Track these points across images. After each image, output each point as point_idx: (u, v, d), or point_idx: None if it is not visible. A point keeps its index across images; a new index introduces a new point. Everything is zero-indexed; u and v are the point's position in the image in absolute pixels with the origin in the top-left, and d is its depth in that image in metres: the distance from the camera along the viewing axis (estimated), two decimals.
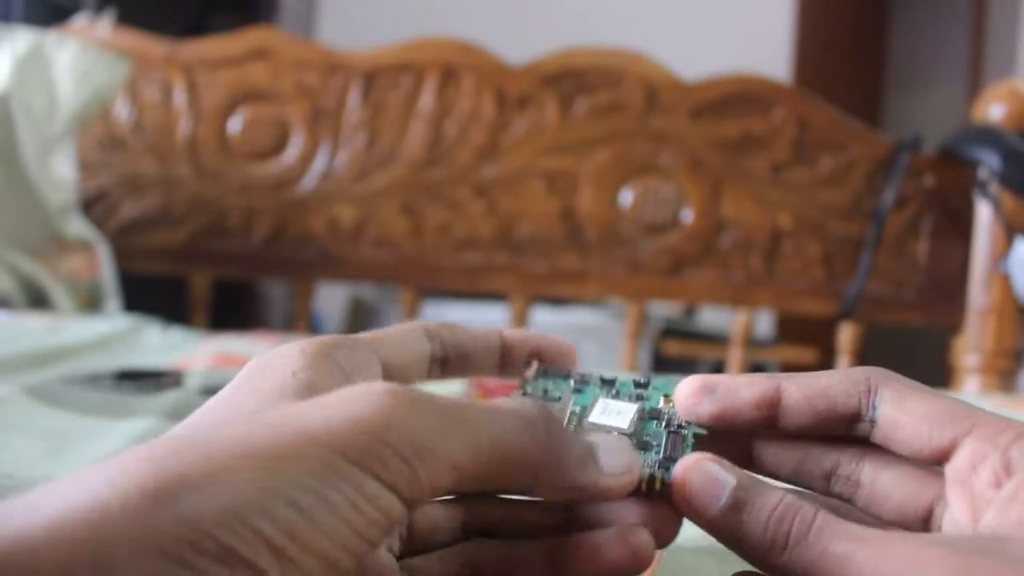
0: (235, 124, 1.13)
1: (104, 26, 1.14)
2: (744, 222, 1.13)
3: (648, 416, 0.27)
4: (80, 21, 1.19)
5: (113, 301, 1.02)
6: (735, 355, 1.25)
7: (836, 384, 0.25)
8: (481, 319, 1.70)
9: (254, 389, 0.23)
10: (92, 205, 1.11)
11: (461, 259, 1.13)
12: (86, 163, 1.11)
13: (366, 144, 1.13)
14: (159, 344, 0.84)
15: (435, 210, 1.13)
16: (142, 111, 1.13)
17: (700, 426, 0.26)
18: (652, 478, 0.24)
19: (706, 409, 0.26)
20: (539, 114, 1.13)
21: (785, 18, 2.64)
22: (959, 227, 1.11)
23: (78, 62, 1.01)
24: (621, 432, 0.26)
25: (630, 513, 0.24)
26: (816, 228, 1.13)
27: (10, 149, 0.94)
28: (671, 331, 2.22)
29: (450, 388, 0.65)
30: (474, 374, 0.30)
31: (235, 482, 0.17)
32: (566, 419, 0.26)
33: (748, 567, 0.23)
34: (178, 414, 0.51)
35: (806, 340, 2.16)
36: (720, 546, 0.23)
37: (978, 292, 1.08)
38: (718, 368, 1.99)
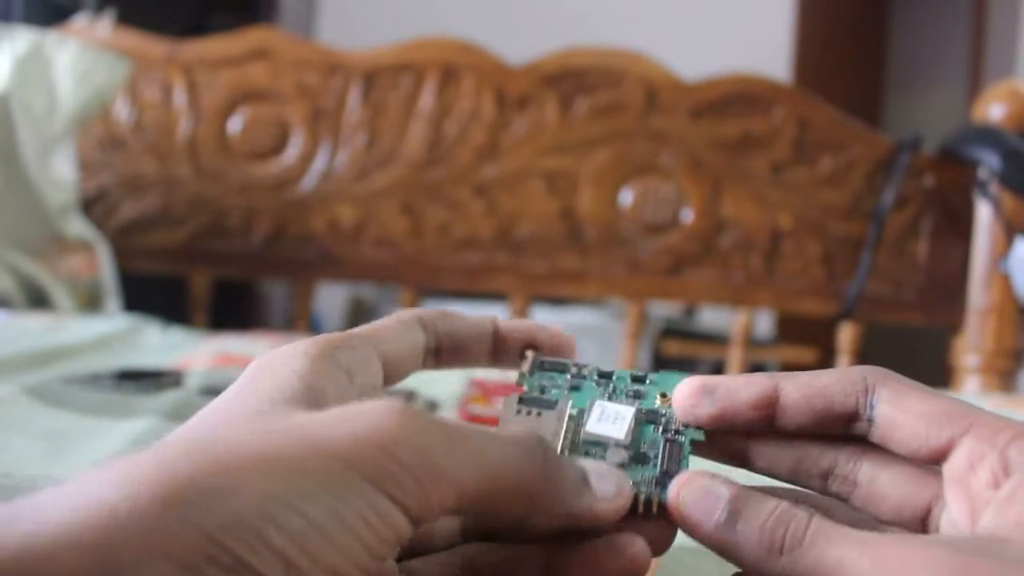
0: (235, 124, 1.13)
1: (104, 26, 1.14)
2: (744, 222, 1.13)
3: (645, 419, 0.26)
4: (80, 21, 1.19)
5: (113, 301, 1.02)
6: (735, 355, 1.25)
7: (834, 383, 0.25)
8: None
9: (256, 389, 0.22)
10: (92, 205, 1.11)
11: (461, 259, 1.13)
12: (86, 163, 1.11)
13: (366, 144, 1.13)
14: (159, 344, 0.84)
15: (435, 210, 1.13)
16: (142, 111, 1.13)
17: (698, 428, 0.26)
18: (649, 501, 0.24)
19: (705, 411, 0.26)
20: (539, 114, 1.13)
21: (785, 18, 2.64)
22: (959, 227, 1.11)
23: (78, 62, 1.01)
24: (618, 444, 0.26)
25: (627, 523, 0.24)
26: (816, 228, 1.13)
27: (10, 149, 0.94)
28: (671, 331, 2.22)
29: (451, 389, 0.65)
30: (468, 364, 0.30)
31: (248, 491, 0.17)
32: (563, 426, 0.26)
33: None
34: (178, 414, 0.51)
35: (806, 340, 2.16)
36: None
37: (978, 292, 1.08)
38: (718, 368, 2.00)
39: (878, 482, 0.25)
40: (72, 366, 0.66)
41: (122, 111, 1.12)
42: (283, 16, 2.63)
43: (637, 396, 0.27)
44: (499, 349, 0.29)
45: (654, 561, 0.25)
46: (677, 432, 0.26)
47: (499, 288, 1.14)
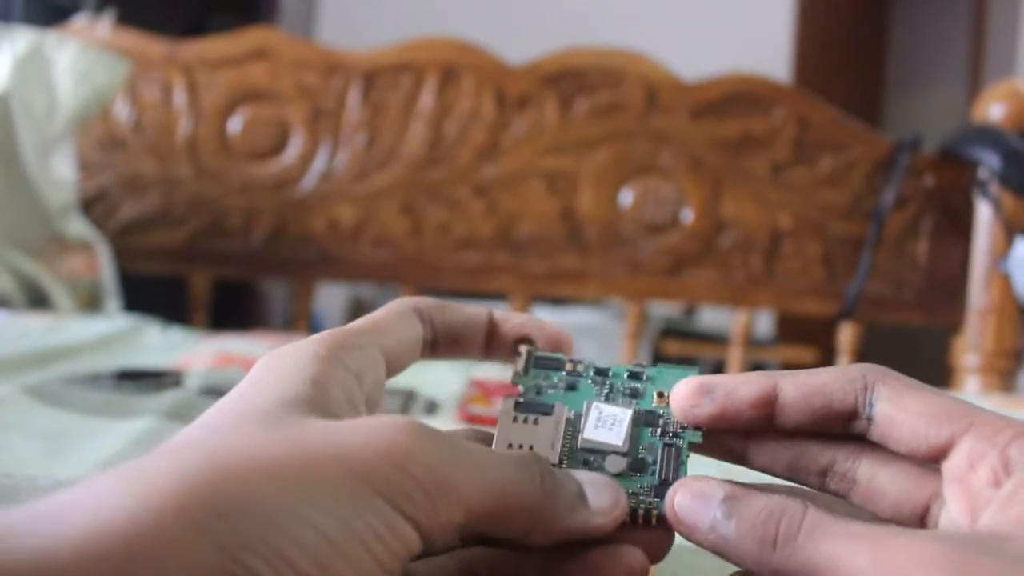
0: (235, 124, 1.13)
1: (104, 26, 1.14)
2: (744, 222, 1.13)
3: (643, 421, 0.26)
4: (80, 21, 1.19)
5: (113, 301, 1.02)
6: (735, 355, 1.25)
7: (833, 381, 0.25)
8: None
9: (266, 389, 0.22)
10: (92, 205, 1.11)
11: (461, 259, 1.13)
12: (86, 163, 1.11)
13: (366, 144, 1.13)
14: (159, 344, 0.84)
15: (435, 210, 1.13)
16: (142, 111, 1.13)
17: (696, 429, 0.26)
18: (648, 513, 0.25)
19: (705, 411, 0.25)
20: (539, 114, 1.13)
21: (785, 18, 2.64)
22: (959, 227, 1.11)
23: (78, 62, 1.01)
24: (616, 451, 0.25)
25: (625, 531, 0.25)
26: (816, 228, 1.13)
27: (10, 149, 0.94)
28: (671, 331, 2.22)
29: (451, 389, 0.65)
30: (463, 355, 0.30)
31: (265, 506, 0.17)
32: (561, 433, 0.26)
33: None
34: (178, 414, 0.51)
35: (806, 340, 2.16)
36: None
37: (978, 292, 1.08)
38: (718, 368, 1.99)
39: (877, 480, 0.25)
40: (72, 366, 0.66)
41: (122, 111, 1.12)
42: (283, 16, 2.63)
43: (634, 395, 0.27)
44: (494, 341, 0.29)
45: (652, 568, 0.25)
46: (675, 435, 0.26)
47: (499, 288, 1.14)
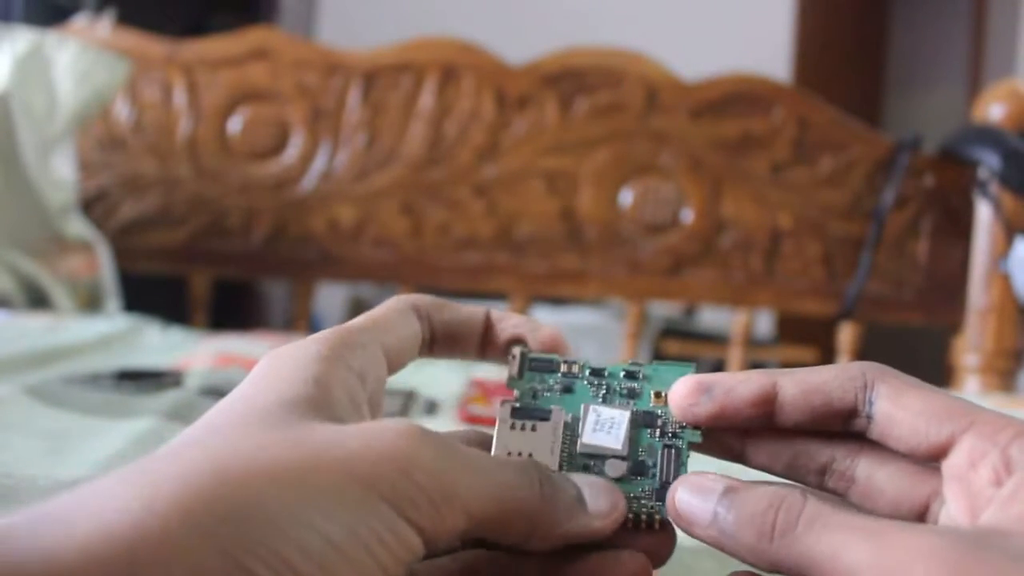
0: (235, 124, 1.13)
1: (104, 26, 1.14)
2: (744, 222, 1.13)
3: (642, 422, 0.26)
4: (80, 21, 1.19)
5: (113, 301, 1.02)
6: (735, 355, 1.25)
7: (832, 379, 0.25)
8: None
9: (267, 389, 0.22)
10: (92, 205, 1.11)
11: (461, 259, 1.13)
12: (86, 163, 1.11)
13: (366, 144, 1.13)
14: (159, 344, 0.84)
15: (435, 210, 1.13)
16: (142, 111, 1.13)
17: (695, 429, 0.26)
18: (651, 518, 0.25)
19: (704, 410, 0.25)
20: (539, 114, 1.13)
21: (785, 18, 2.64)
22: (959, 227, 1.11)
23: (78, 62, 1.01)
24: (615, 455, 0.25)
25: (628, 535, 0.25)
26: (816, 228, 1.13)
27: (10, 149, 0.94)
28: (671, 331, 2.22)
29: (451, 389, 0.65)
30: (459, 355, 0.30)
31: (269, 511, 0.17)
32: (559, 439, 0.26)
33: (750, 568, 0.23)
34: (178, 414, 0.51)
35: (806, 340, 2.16)
36: None
37: (978, 292, 1.08)
38: (718, 368, 1.99)
39: (875, 478, 0.25)
40: (72, 366, 0.66)
41: (122, 111, 1.12)
42: (283, 16, 2.63)
43: (631, 395, 0.27)
44: (490, 342, 0.29)
45: (655, 573, 0.25)
46: (674, 435, 0.26)
47: (499, 288, 1.14)
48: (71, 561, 0.15)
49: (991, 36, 2.99)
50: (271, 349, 0.25)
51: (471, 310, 0.29)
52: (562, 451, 0.26)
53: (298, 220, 1.13)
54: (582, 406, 0.26)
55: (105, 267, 1.01)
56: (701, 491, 0.23)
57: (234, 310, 2.30)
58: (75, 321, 0.86)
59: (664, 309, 2.24)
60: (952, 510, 0.23)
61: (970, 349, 1.08)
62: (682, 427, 0.26)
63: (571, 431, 0.26)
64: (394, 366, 0.27)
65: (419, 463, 0.20)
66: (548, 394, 0.27)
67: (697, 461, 0.26)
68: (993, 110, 1.08)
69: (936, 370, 1.37)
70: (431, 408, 0.59)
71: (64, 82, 1.00)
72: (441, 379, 0.68)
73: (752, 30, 2.59)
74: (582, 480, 0.24)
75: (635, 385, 0.27)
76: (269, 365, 0.23)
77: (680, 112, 1.12)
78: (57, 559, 0.15)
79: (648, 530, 0.25)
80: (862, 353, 1.14)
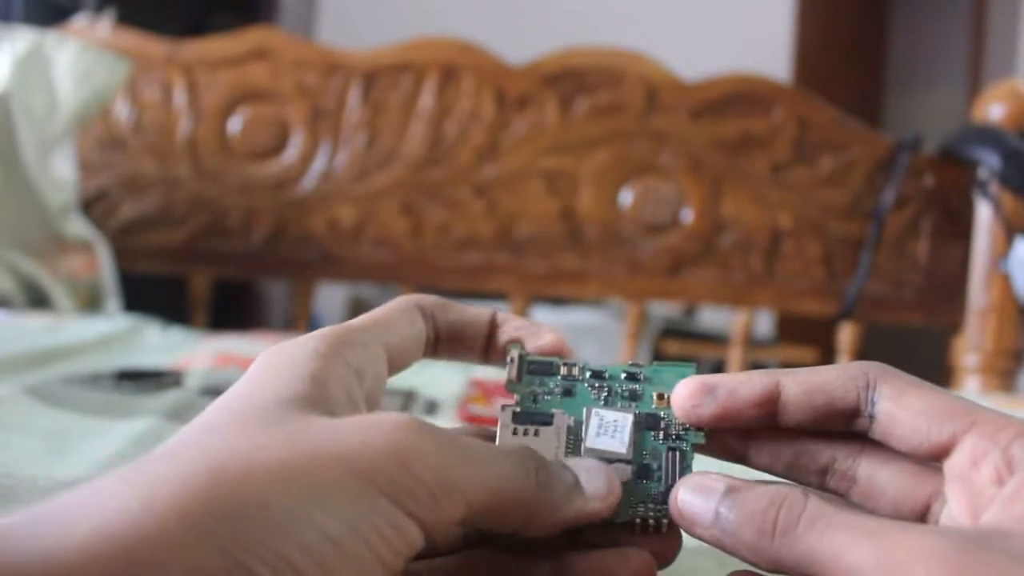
0: (235, 124, 1.13)
1: (104, 26, 1.14)
2: (744, 222, 1.13)
3: (645, 424, 0.26)
4: (80, 21, 1.19)
5: (113, 301, 1.02)
6: (735, 355, 1.25)
7: (834, 379, 0.25)
8: None
9: (264, 386, 0.22)
10: (92, 205, 1.11)
11: (461, 259, 1.13)
12: (86, 163, 1.11)
13: (366, 144, 1.13)
14: (159, 344, 0.84)
15: (435, 210, 1.13)
16: (142, 111, 1.13)
17: (698, 430, 0.26)
18: (658, 522, 0.25)
19: (707, 411, 0.25)
20: (539, 114, 1.13)
21: (785, 18, 2.65)
22: (959, 227, 1.11)
23: (78, 62, 1.01)
24: (620, 459, 0.25)
25: (634, 538, 0.25)
26: (816, 228, 1.13)
27: (10, 149, 0.94)
28: (671, 331, 2.22)
29: (451, 389, 0.65)
30: (462, 357, 0.29)
31: (268, 508, 0.17)
32: (563, 443, 0.26)
33: (751, 568, 0.23)
34: (178, 414, 0.51)
35: (806, 340, 2.16)
36: None
37: (978, 292, 1.08)
38: (718, 368, 1.99)
39: (876, 478, 0.25)
40: (72, 366, 0.65)
41: (122, 111, 1.12)
42: (283, 16, 2.63)
43: (633, 397, 0.27)
44: (493, 345, 0.29)
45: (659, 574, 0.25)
46: (678, 437, 0.26)
47: (499, 288, 1.14)
48: (70, 561, 0.15)
49: (991, 36, 2.99)
50: (280, 343, 0.25)
51: (477, 312, 0.29)
52: (566, 456, 0.25)
53: (298, 220, 1.13)
54: (584, 409, 0.26)
55: (105, 267, 1.01)
56: (703, 491, 0.23)
57: (234, 310, 2.30)
58: (75, 321, 0.86)
59: (664, 309, 2.24)
60: (954, 510, 0.23)
61: (970, 349, 1.08)
62: (685, 429, 0.26)
63: (574, 435, 0.26)
64: (396, 365, 0.27)
65: (418, 455, 0.20)
66: (548, 397, 0.27)
67: (699, 462, 0.26)
68: (993, 110, 1.08)
69: (936, 370, 1.37)
70: (431, 408, 0.59)
71: (64, 82, 1.00)
72: (441, 379, 0.68)
73: (752, 30, 2.59)
74: (579, 465, 0.24)
75: (636, 387, 0.27)
76: (266, 362, 0.23)
77: (680, 112, 1.12)
78: (56, 559, 0.15)
79: (655, 534, 0.25)
80: (862, 353, 1.14)
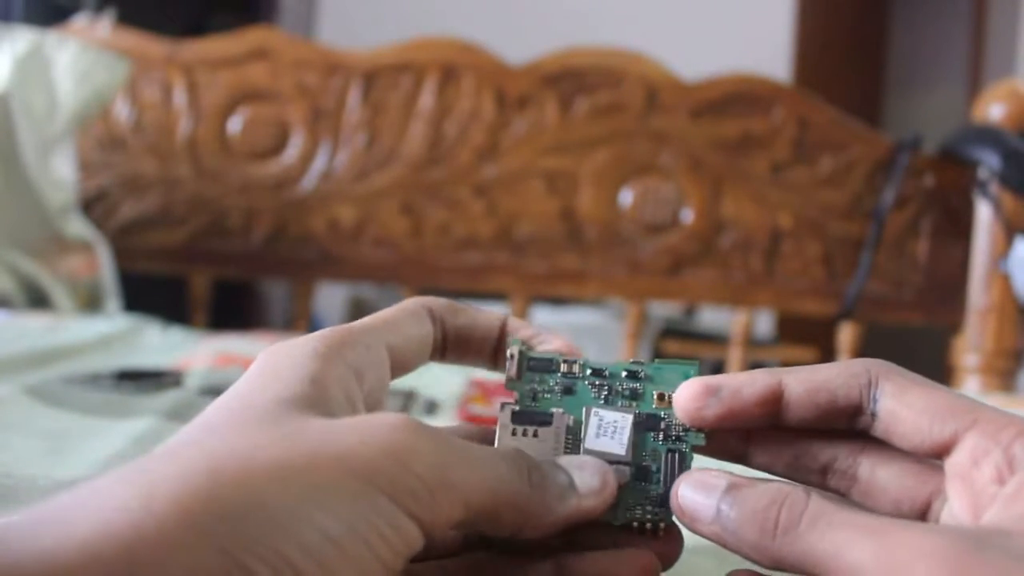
0: (235, 124, 1.13)
1: (104, 26, 1.14)
2: (744, 222, 1.13)
3: (645, 425, 0.26)
4: (80, 21, 1.19)
5: (113, 301, 1.02)
6: (735, 355, 1.25)
7: (836, 377, 0.25)
8: None
9: (264, 387, 0.22)
10: (92, 205, 1.11)
11: (461, 259, 1.13)
12: (86, 163, 1.11)
13: (366, 144, 1.13)
14: (159, 344, 0.84)
15: (435, 210, 1.13)
16: (142, 111, 1.13)
17: (699, 431, 0.26)
18: (656, 525, 0.25)
19: (712, 412, 0.25)
20: (539, 114, 1.13)
21: (785, 18, 2.65)
22: (959, 227, 1.11)
23: (78, 62, 1.01)
24: (619, 461, 0.25)
25: (634, 540, 0.25)
26: (816, 228, 1.13)
27: (10, 149, 0.94)
28: (671, 331, 2.22)
29: (451, 389, 0.65)
30: (471, 362, 0.29)
31: (268, 508, 0.17)
32: (562, 444, 0.25)
33: (751, 566, 0.23)
34: (178, 414, 0.51)
35: (806, 340, 2.16)
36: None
37: (978, 292, 1.08)
38: (718, 368, 1.99)
39: (877, 477, 0.25)
40: (72, 366, 0.65)
41: (122, 111, 1.12)
42: (283, 16, 2.63)
43: (633, 397, 0.26)
44: (501, 351, 0.29)
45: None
46: (678, 438, 0.26)
47: (499, 288, 1.14)
48: (70, 561, 0.15)
49: (991, 36, 2.99)
50: (280, 343, 0.25)
51: (488, 316, 0.29)
52: (565, 450, 0.25)
53: (298, 220, 1.13)
54: (584, 409, 0.26)
55: (105, 267, 1.01)
56: (704, 487, 0.23)
57: (234, 310, 2.30)
58: (75, 321, 0.86)
59: (664, 309, 2.24)
60: (954, 508, 0.23)
61: (970, 349, 1.08)
62: (685, 430, 0.26)
63: (573, 435, 0.26)
64: (401, 367, 0.26)
65: (417, 454, 0.20)
66: (548, 396, 0.26)
67: (699, 462, 0.26)
68: (993, 110, 1.08)
69: (936, 370, 1.36)
70: (431, 408, 0.59)
71: (64, 82, 1.00)
72: (441, 379, 0.68)
73: (752, 30, 2.59)
74: (572, 463, 0.24)
75: (637, 386, 0.27)
76: (266, 363, 0.23)
77: (680, 112, 1.12)
78: (56, 559, 0.15)
79: (653, 537, 0.25)
80: (862, 353, 1.14)
